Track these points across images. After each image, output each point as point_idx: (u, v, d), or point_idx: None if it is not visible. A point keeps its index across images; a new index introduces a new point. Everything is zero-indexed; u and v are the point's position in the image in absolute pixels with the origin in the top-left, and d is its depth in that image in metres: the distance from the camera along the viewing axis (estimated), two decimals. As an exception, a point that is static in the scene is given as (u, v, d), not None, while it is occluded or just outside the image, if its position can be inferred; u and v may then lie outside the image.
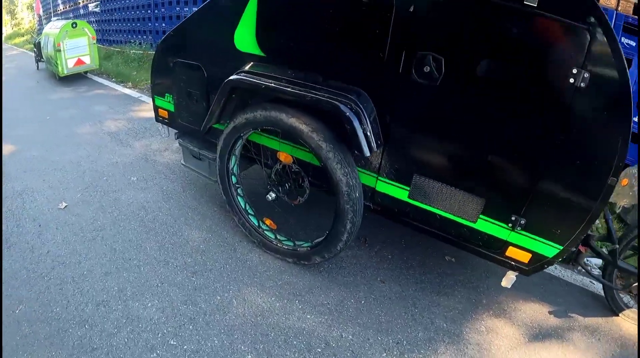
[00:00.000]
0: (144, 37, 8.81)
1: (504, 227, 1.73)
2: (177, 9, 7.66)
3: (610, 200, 1.71)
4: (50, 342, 1.78)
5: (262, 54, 2.01)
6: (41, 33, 8.07)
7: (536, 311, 2.11)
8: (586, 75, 1.37)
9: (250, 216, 2.42)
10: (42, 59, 7.67)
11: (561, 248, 1.67)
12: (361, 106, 1.73)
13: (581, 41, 1.36)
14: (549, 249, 1.69)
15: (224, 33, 2.09)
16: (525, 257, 1.76)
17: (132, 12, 9.20)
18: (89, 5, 10.85)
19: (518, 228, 1.69)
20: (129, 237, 2.47)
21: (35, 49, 8.14)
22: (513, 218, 1.69)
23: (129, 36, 9.38)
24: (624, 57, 1.35)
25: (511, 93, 1.53)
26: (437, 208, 1.82)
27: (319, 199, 2.24)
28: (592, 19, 1.32)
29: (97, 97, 5.74)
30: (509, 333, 1.98)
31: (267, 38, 1.99)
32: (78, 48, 6.49)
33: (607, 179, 1.46)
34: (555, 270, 2.41)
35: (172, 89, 2.48)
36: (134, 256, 2.30)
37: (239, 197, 2.43)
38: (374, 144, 1.75)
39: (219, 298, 2.04)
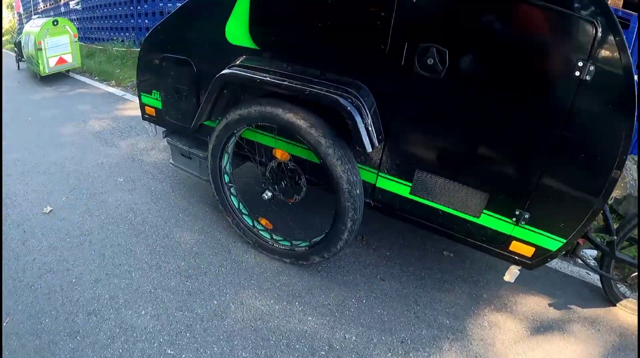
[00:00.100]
0: (127, 34, 8.52)
1: (508, 222, 1.67)
2: (161, 4, 7.41)
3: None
4: (41, 356, 1.64)
5: (255, 47, 1.89)
6: (22, 32, 7.70)
7: (536, 304, 2.07)
8: (592, 68, 1.32)
9: (244, 216, 2.30)
10: (23, 59, 7.32)
11: (564, 241, 1.62)
12: (362, 99, 1.63)
13: (587, 34, 1.30)
14: (553, 242, 1.64)
15: (214, 26, 1.95)
16: (528, 251, 1.71)
17: (115, 9, 8.88)
18: (70, 2, 10.44)
19: (522, 223, 1.64)
20: (118, 241, 2.32)
21: (15, 49, 7.76)
22: (517, 213, 1.63)
23: (112, 33, 9.06)
24: (628, 50, 1.30)
25: (516, 86, 1.46)
26: (440, 204, 1.75)
27: (314, 197, 2.14)
28: (598, 12, 1.28)
29: (80, 97, 5.49)
30: (511, 327, 1.93)
31: (261, 30, 1.86)
32: (59, 46, 6.20)
33: (610, 172, 1.42)
34: (551, 262, 2.37)
35: (160, 86, 2.33)
36: (124, 262, 2.16)
37: (232, 196, 2.31)
38: (375, 140, 1.66)
39: (215, 302, 1.93)
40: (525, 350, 1.83)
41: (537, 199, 1.57)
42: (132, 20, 8.36)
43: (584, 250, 2.39)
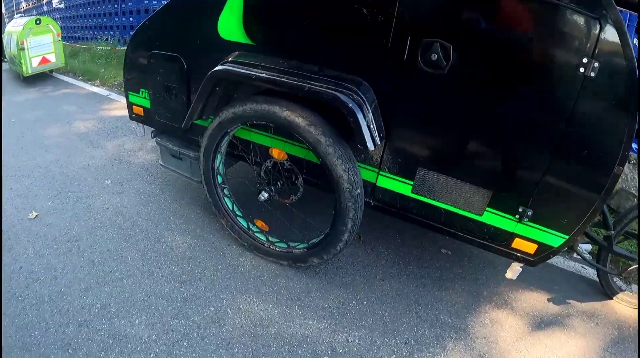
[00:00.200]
0: (111, 32, 8.22)
1: (511, 219, 1.62)
2: (146, 2, 7.15)
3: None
4: (30, 371, 1.52)
5: (250, 42, 1.78)
6: (3, 32, 7.32)
7: (535, 300, 2.03)
8: (596, 64, 1.28)
9: (239, 218, 2.19)
10: (5, 59, 6.94)
11: (567, 237, 1.58)
12: (363, 96, 1.55)
13: (592, 31, 1.27)
14: (555, 239, 1.60)
15: (206, 20, 1.84)
16: (531, 248, 1.67)
17: (98, 7, 8.56)
18: (53, 1, 10.04)
19: (525, 220, 1.59)
20: (108, 247, 2.18)
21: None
22: (520, 210, 1.58)
23: (96, 32, 8.73)
24: (632, 47, 1.27)
25: (521, 82, 1.41)
26: (442, 202, 1.69)
27: (312, 197, 2.06)
28: (603, 9, 1.24)
29: (65, 97, 5.24)
30: (512, 323, 1.89)
31: (256, 25, 1.75)
32: (42, 46, 5.90)
33: (613, 168, 1.39)
34: (547, 256, 2.36)
35: (148, 84, 2.19)
36: (115, 268, 2.03)
37: (225, 198, 2.20)
38: (377, 138, 1.58)
39: (212, 309, 1.83)
40: (527, 346, 1.79)
41: (541, 196, 1.53)
42: (116, 19, 8.08)
43: (580, 245, 2.38)
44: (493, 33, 1.41)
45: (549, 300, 2.04)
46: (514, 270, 1.79)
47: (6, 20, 11.39)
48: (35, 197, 2.68)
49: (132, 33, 2.22)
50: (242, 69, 1.71)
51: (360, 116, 1.51)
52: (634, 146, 2.93)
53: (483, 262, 2.23)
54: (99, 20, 8.65)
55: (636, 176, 2.83)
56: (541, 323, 1.91)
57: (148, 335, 1.68)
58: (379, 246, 2.30)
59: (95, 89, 5.67)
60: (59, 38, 6.10)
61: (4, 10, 13.20)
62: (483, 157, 1.57)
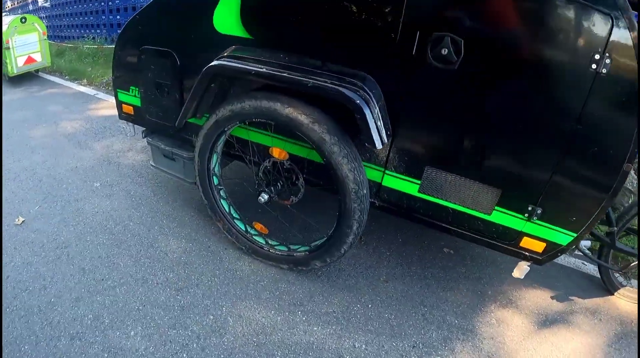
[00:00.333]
0: (98, 31, 7.90)
1: (520, 218, 1.56)
2: (133, -1, 6.92)
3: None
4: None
5: (247, 36, 1.67)
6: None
7: (539, 298, 1.99)
8: (608, 61, 1.24)
9: (236, 221, 2.08)
10: None
11: (575, 235, 1.54)
12: (369, 92, 1.46)
13: (604, 27, 1.22)
14: (564, 237, 1.55)
15: (200, 13, 1.71)
16: (539, 247, 1.62)
17: (85, 5, 8.22)
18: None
19: (534, 218, 1.54)
20: (99, 253, 2.04)
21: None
22: (530, 208, 1.52)
23: (82, 31, 8.39)
24: None
25: (532, 78, 1.35)
26: (451, 202, 1.62)
27: (312, 197, 1.96)
28: (615, 5, 1.20)
29: (51, 97, 4.99)
30: (518, 322, 1.85)
31: (255, 17, 1.64)
32: (28, 45, 5.60)
33: (622, 166, 1.35)
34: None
35: (138, 81, 2.05)
36: (107, 276, 1.89)
37: (222, 200, 2.09)
38: (384, 136, 1.50)
39: (211, 317, 1.72)
40: (534, 345, 1.75)
41: (550, 194, 1.48)
42: (103, 17, 7.77)
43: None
44: (505, 28, 1.34)
45: (552, 298, 2.01)
46: (521, 269, 1.74)
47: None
48: (22, 201, 2.52)
49: (121, 29, 2.08)
50: (240, 63, 1.60)
51: (367, 112, 1.42)
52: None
53: (485, 261, 2.19)
54: (86, 18, 8.33)
55: (635, 174, 2.83)
56: (546, 321, 1.87)
57: (145, 347, 1.56)
58: (380, 246, 2.22)
59: (82, 88, 5.43)
60: (45, 37, 5.83)
61: None
62: (493, 154, 1.50)
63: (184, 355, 1.54)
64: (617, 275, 2.06)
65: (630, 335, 1.86)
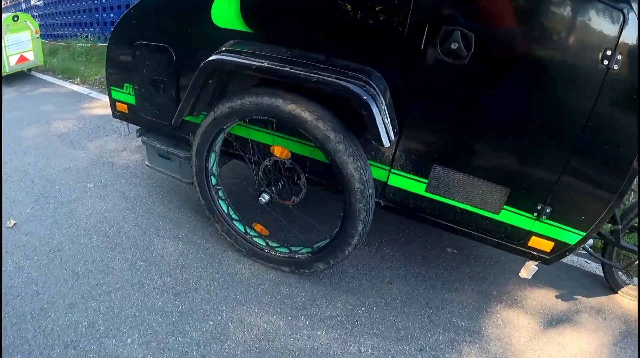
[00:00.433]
0: (91, 29, 7.70)
1: (529, 217, 1.51)
2: (126, -4, 6.75)
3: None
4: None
5: (247, 30, 1.59)
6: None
7: (544, 297, 1.95)
8: (619, 57, 1.20)
9: (235, 222, 2.00)
10: None
11: (584, 234, 1.50)
12: (376, 87, 1.39)
13: (615, 23, 1.19)
14: (572, 236, 1.51)
15: (198, 6, 1.63)
16: (547, 246, 1.57)
17: (78, 4, 8.01)
18: (31, -2, 9.38)
19: (543, 217, 1.49)
20: (93, 257, 1.94)
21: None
22: (539, 207, 1.47)
23: (75, 29, 8.19)
24: None
25: (543, 75, 1.31)
26: (458, 201, 1.56)
27: (313, 197, 1.89)
28: (627, 1, 1.16)
29: (43, 96, 4.83)
30: (524, 323, 1.80)
31: (255, 10, 1.56)
32: (20, 44, 5.43)
33: (632, 163, 1.31)
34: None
35: (133, 78, 1.96)
36: (101, 281, 1.80)
37: (220, 201, 2.00)
38: (392, 133, 1.44)
39: (211, 323, 1.63)
40: (541, 345, 1.71)
41: (560, 193, 1.43)
42: (96, 15, 7.58)
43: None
44: (516, 23, 1.29)
45: (556, 297, 1.97)
46: (529, 269, 1.69)
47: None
48: (13, 203, 2.40)
49: (115, 24, 1.98)
50: (240, 58, 1.52)
51: (375, 109, 1.35)
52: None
53: (489, 260, 2.14)
54: (79, 16, 8.12)
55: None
56: (552, 321, 1.84)
57: (142, 355, 1.47)
58: (383, 247, 2.16)
59: (75, 87, 5.27)
60: (37, 35, 5.67)
61: None
62: (502, 153, 1.45)
63: (184, 363, 1.46)
64: (620, 273, 2.03)
65: (634, 333, 1.83)
